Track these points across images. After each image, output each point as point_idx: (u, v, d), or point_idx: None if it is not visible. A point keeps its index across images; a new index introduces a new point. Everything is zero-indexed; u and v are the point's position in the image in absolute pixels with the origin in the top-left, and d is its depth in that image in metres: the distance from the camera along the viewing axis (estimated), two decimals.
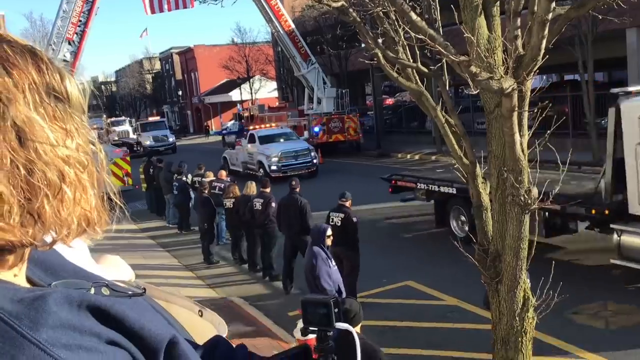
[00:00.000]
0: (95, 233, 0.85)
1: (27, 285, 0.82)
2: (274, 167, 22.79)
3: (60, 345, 0.71)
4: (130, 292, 0.88)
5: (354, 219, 9.06)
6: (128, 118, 64.86)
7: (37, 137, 0.76)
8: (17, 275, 0.81)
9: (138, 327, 0.79)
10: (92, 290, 0.84)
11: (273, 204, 11.03)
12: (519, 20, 3.99)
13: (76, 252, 1.08)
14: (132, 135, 49.89)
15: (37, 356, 0.69)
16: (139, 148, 40.89)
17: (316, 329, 1.39)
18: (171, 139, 43.35)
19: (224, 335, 1.39)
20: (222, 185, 13.89)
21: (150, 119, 53.21)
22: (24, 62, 0.78)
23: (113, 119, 60.01)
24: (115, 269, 1.68)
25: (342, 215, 9.04)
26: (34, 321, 0.71)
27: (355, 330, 5.11)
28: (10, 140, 0.74)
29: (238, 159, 25.77)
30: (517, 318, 4.79)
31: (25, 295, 0.74)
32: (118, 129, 50.72)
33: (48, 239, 0.80)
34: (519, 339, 4.83)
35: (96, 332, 0.75)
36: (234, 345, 1.30)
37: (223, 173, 14.99)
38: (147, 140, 42.48)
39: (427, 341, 7.84)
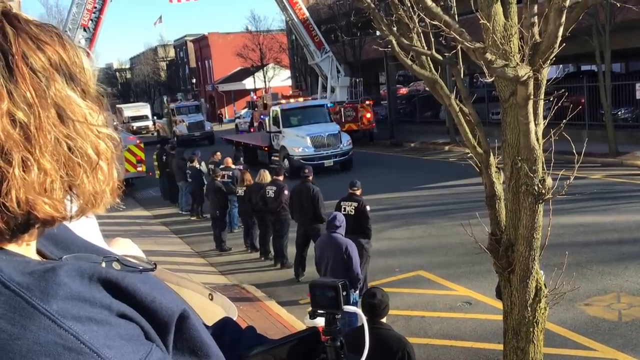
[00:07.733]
0: (115, 204, 0.89)
1: (38, 258, 0.83)
2: None
3: (71, 316, 0.71)
4: (141, 267, 0.89)
5: (367, 208, 9.05)
6: (196, 101, 46.62)
7: (75, 115, 0.78)
8: (28, 245, 0.81)
9: (149, 301, 0.80)
10: (103, 264, 0.84)
11: (286, 192, 11.08)
12: (535, 7, 3.94)
13: (87, 229, 1.08)
14: (207, 128, 36.97)
15: (47, 327, 0.70)
16: (280, 161, 20.47)
17: (324, 312, 1.38)
18: (346, 142, 22.03)
19: (234, 319, 1.39)
20: (230, 173, 13.98)
21: (297, 101, 26.00)
22: (51, 40, 0.79)
23: (179, 102, 44.19)
24: (126, 251, 1.68)
25: (355, 204, 9.03)
26: (44, 292, 0.72)
27: (381, 320, 5.05)
28: (52, 118, 0.76)
29: None
30: (528, 308, 4.76)
31: (36, 268, 0.75)
32: (188, 119, 37.14)
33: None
34: (531, 329, 4.81)
35: (107, 304, 0.75)
36: (243, 327, 1.30)
37: (229, 160, 15.04)
38: (299, 146, 21.23)
39: (439, 331, 7.85)
